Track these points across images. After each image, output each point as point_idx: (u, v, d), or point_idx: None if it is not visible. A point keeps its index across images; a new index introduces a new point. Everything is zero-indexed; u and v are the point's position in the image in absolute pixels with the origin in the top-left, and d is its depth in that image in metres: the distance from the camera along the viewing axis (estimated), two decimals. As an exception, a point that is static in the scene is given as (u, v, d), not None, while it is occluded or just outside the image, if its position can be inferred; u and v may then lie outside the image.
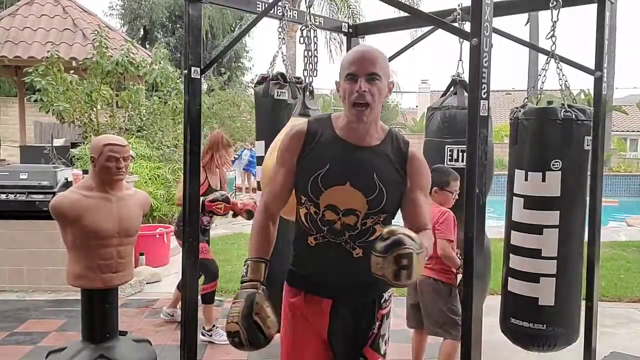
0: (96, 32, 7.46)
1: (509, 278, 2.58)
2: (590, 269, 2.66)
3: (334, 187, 1.59)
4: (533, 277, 2.49)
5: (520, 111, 2.54)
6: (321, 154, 1.62)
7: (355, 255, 1.63)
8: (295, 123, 1.69)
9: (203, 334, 3.79)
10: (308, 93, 2.38)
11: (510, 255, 2.57)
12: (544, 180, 2.45)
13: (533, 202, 2.48)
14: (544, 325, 2.49)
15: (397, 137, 1.69)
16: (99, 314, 2.68)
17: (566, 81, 2.62)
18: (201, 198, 3.21)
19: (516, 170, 2.55)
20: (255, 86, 2.87)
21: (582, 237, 2.56)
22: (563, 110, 2.44)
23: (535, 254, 2.48)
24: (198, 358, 2.67)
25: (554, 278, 2.47)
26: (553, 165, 2.44)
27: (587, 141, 2.49)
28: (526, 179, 2.49)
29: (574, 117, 2.43)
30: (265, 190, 1.77)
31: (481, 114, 1.85)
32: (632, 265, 6.19)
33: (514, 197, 2.56)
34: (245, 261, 1.65)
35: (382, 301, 1.72)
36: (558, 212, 2.46)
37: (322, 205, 1.61)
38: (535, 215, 2.48)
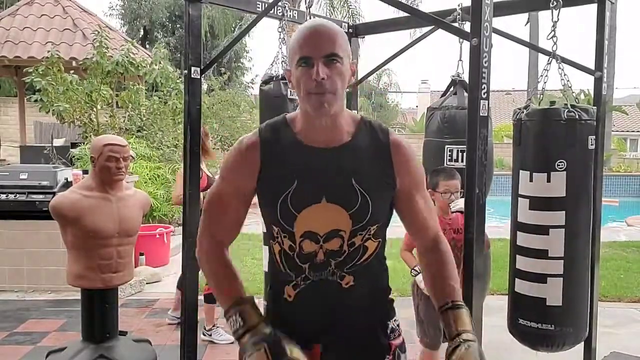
0: (96, 32, 7.45)
1: (516, 279, 2.57)
2: (590, 269, 2.66)
3: (309, 208, 1.27)
4: (540, 278, 2.48)
5: (523, 112, 2.53)
6: (284, 168, 1.28)
7: (344, 285, 1.30)
8: (243, 137, 1.37)
9: (204, 334, 3.80)
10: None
11: (517, 256, 2.56)
12: (549, 180, 2.45)
13: (538, 203, 2.47)
14: (552, 326, 2.48)
15: (372, 126, 1.34)
16: (99, 314, 2.68)
17: (568, 81, 2.62)
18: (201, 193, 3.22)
19: (520, 171, 2.54)
20: (262, 85, 2.86)
21: (587, 236, 2.57)
22: (566, 110, 2.44)
23: (542, 254, 2.48)
24: (198, 358, 2.67)
25: (561, 278, 2.47)
26: (557, 165, 2.43)
27: (590, 141, 2.49)
28: (531, 180, 2.49)
29: (577, 117, 2.43)
30: (211, 218, 1.40)
31: (481, 114, 1.85)
32: (632, 265, 6.19)
33: (519, 198, 2.55)
34: (227, 314, 1.29)
35: (388, 331, 1.38)
36: (564, 212, 2.45)
37: (297, 234, 1.28)
38: (541, 215, 2.48)
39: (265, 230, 1.41)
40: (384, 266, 1.42)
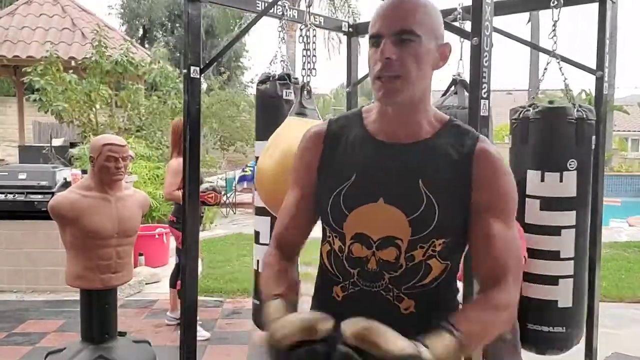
0: (95, 31, 7.45)
1: (524, 283, 2.53)
2: (592, 270, 2.65)
3: (362, 207, 1.11)
4: (552, 280, 2.46)
5: (529, 110, 2.51)
6: (345, 162, 1.15)
7: (403, 310, 1.11)
8: (312, 124, 1.26)
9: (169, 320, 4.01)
10: (306, 92, 2.37)
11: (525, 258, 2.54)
12: (561, 180, 2.43)
13: (550, 203, 2.45)
14: (564, 328, 2.46)
15: (460, 128, 1.15)
16: (98, 315, 2.67)
17: (565, 79, 2.61)
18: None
19: (529, 170, 2.50)
20: (258, 85, 2.85)
21: (591, 235, 2.56)
22: (576, 109, 2.43)
23: (554, 255, 2.45)
24: (198, 358, 2.66)
25: (572, 279, 2.46)
26: (569, 164, 2.41)
27: (593, 140, 2.49)
28: (542, 180, 2.46)
29: (585, 116, 2.42)
30: (278, 220, 1.28)
31: (481, 114, 1.83)
32: (633, 265, 6.19)
33: (526, 199, 2.51)
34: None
35: None
36: (575, 212, 2.44)
37: (347, 236, 1.13)
38: (553, 216, 2.45)
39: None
40: (455, 301, 1.20)
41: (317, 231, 1.28)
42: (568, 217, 2.44)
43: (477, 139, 1.13)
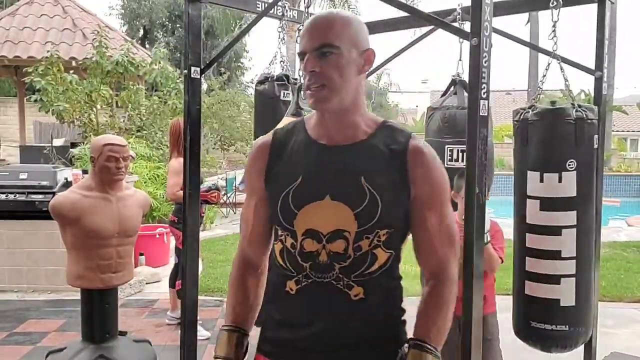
0: (96, 32, 7.46)
1: (527, 282, 2.55)
2: (591, 269, 2.66)
3: (310, 205, 1.20)
4: (554, 279, 2.47)
5: (529, 112, 2.52)
6: (291, 166, 1.24)
7: (353, 297, 1.19)
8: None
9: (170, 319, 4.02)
10: (302, 93, 2.37)
11: (527, 258, 2.54)
12: (560, 180, 2.44)
13: (550, 204, 2.46)
14: (567, 326, 2.48)
15: (393, 128, 1.26)
16: (98, 314, 2.68)
17: (566, 80, 2.61)
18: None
19: (529, 171, 2.51)
20: (257, 85, 2.85)
21: (593, 234, 2.57)
22: (574, 109, 2.44)
23: (555, 255, 2.46)
24: (198, 358, 2.66)
25: (574, 278, 2.47)
26: (568, 165, 2.42)
27: (595, 140, 2.49)
28: (541, 181, 2.47)
29: (584, 116, 2.43)
30: (240, 234, 1.40)
31: (481, 114, 1.84)
32: (632, 265, 6.19)
33: (527, 200, 2.52)
34: (221, 328, 1.33)
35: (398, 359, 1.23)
36: (575, 212, 2.45)
37: (299, 233, 1.21)
38: (553, 216, 2.46)
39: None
40: (400, 286, 1.31)
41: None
42: (568, 217, 2.45)
43: (409, 137, 1.24)
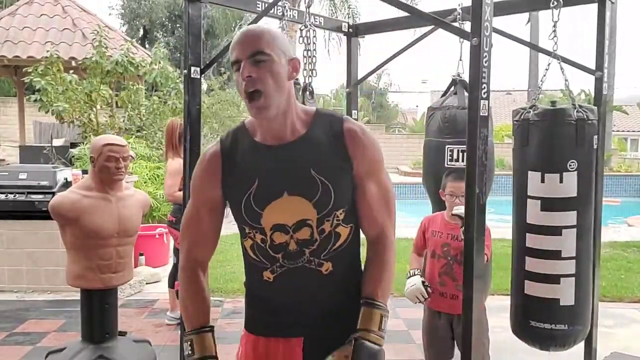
0: (96, 31, 7.45)
1: (527, 281, 2.56)
2: (592, 269, 2.66)
3: (272, 203, 1.31)
4: (554, 279, 2.48)
5: (529, 112, 2.52)
6: (244, 170, 1.33)
7: (325, 272, 1.35)
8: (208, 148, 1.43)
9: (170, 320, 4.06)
10: (308, 93, 2.37)
11: (527, 258, 2.54)
12: (561, 181, 2.44)
13: (551, 204, 2.46)
14: (566, 325, 2.49)
15: (326, 116, 1.39)
16: (98, 314, 2.68)
17: (566, 80, 2.61)
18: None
19: (530, 172, 2.51)
20: None
21: (592, 234, 2.57)
22: (575, 110, 2.44)
23: (555, 255, 2.47)
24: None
25: (574, 277, 2.47)
26: (569, 165, 2.43)
27: (595, 140, 2.49)
28: (543, 181, 2.47)
29: (585, 116, 2.43)
30: (185, 239, 1.44)
31: (481, 114, 1.84)
32: (632, 265, 6.19)
33: (528, 200, 2.52)
34: (186, 338, 1.37)
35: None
36: (575, 212, 2.45)
37: (267, 229, 1.33)
38: (553, 216, 2.47)
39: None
40: (360, 253, 1.46)
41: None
42: (569, 217, 2.46)
43: (342, 121, 1.37)
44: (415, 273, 2.58)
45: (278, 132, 1.33)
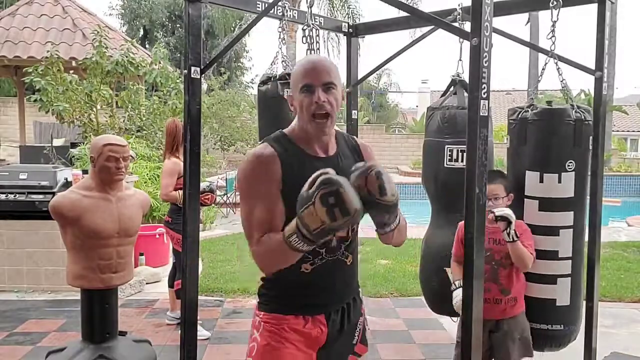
0: (96, 32, 7.45)
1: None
2: (591, 269, 2.66)
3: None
4: (551, 279, 2.48)
5: (527, 111, 2.52)
6: (304, 178, 1.42)
7: (348, 263, 1.66)
8: (255, 150, 1.58)
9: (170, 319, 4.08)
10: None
11: None
12: (560, 181, 2.44)
13: (549, 204, 2.46)
14: (562, 325, 2.49)
15: (342, 135, 1.72)
16: (98, 314, 2.68)
17: (562, 80, 2.62)
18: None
19: (528, 172, 2.50)
20: (259, 86, 2.85)
21: (586, 234, 2.58)
22: (574, 110, 2.44)
23: (552, 255, 2.46)
24: (198, 358, 2.66)
25: (569, 278, 2.47)
26: (567, 166, 2.42)
27: (590, 141, 2.50)
28: (541, 181, 2.47)
29: (582, 117, 2.43)
30: (254, 230, 1.53)
31: (481, 114, 1.84)
32: (632, 265, 6.19)
33: (525, 199, 2.52)
34: (290, 237, 1.39)
35: (360, 296, 1.78)
36: (572, 212, 2.45)
37: None
38: (551, 217, 2.46)
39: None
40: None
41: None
42: (566, 218, 2.46)
43: (353, 138, 1.75)
44: (462, 285, 2.49)
45: (326, 147, 1.61)
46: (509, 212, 2.30)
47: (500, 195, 2.44)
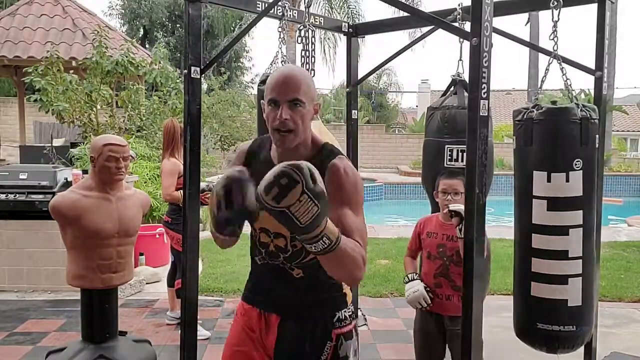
0: (96, 31, 7.45)
1: (533, 283, 2.52)
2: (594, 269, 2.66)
3: (264, 211, 1.39)
4: (562, 279, 2.45)
5: (533, 111, 2.51)
6: (257, 175, 1.41)
7: (296, 275, 1.62)
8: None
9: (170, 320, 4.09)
10: None
11: (533, 259, 2.51)
12: (567, 180, 2.43)
13: (558, 204, 2.44)
14: (574, 326, 2.46)
15: (327, 151, 1.60)
16: (98, 314, 2.68)
17: (566, 80, 2.61)
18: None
19: (535, 171, 2.48)
20: (259, 85, 2.86)
21: (595, 233, 2.56)
22: (579, 109, 2.44)
23: (562, 255, 2.44)
24: (198, 358, 2.66)
25: (580, 277, 2.46)
26: (575, 164, 2.42)
27: (597, 140, 2.49)
28: (549, 180, 2.46)
29: (588, 116, 2.43)
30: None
31: (481, 114, 1.84)
32: (632, 265, 6.19)
33: (533, 200, 2.50)
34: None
35: (334, 320, 1.62)
36: (581, 211, 2.44)
37: (257, 227, 1.64)
38: (560, 216, 2.45)
39: None
40: None
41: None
42: (575, 217, 2.44)
43: (333, 158, 1.56)
44: (414, 277, 2.57)
45: (286, 156, 1.50)
46: (463, 208, 2.30)
47: (460, 190, 2.50)
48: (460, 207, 2.33)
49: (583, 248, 2.46)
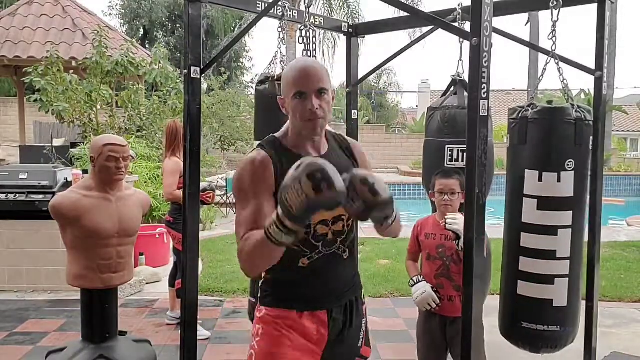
0: (96, 31, 7.46)
1: (519, 281, 2.53)
2: (591, 269, 2.66)
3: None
4: (548, 279, 2.46)
5: (528, 110, 2.51)
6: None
7: (345, 257, 1.70)
8: (249, 155, 1.63)
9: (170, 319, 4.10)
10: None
11: (521, 257, 2.52)
12: (559, 180, 2.43)
13: (548, 203, 2.45)
14: (558, 326, 2.47)
15: (332, 134, 1.77)
16: (98, 314, 2.68)
17: (564, 80, 2.62)
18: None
19: (527, 170, 2.49)
20: (257, 85, 2.86)
21: (584, 235, 2.57)
22: (574, 109, 2.44)
23: (550, 255, 2.45)
24: (198, 358, 2.66)
25: (567, 278, 2.46)
26: (567, 165, 2.42)
27: (590, 141, 2.50)
28: (540, 180, 2.46)
29: (583, 117, 2.43)
30: (242, 229, 1.55)
31: (481, 114, 1.84)
32: (632, 265, 6.19)
33: (524, 198, 2.51)
34: (269, 228, 1.39)
35: (362, 296, 1.79)
36: (571, 212, 2.45)
37: (313, 224, 1.61)
38: (550, 216, 2.45)
39: None
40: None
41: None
42: (565, 217, 2.45)
43: (344, 138, 1.79)
44: (420, 280, 2.55)
45: (318, 146, 1.66)
46: (459, 229, 2.29)
47: (457, 190, 2.52)
48: (457, 224, 2.32)
49: (571, 249, 2.47)
